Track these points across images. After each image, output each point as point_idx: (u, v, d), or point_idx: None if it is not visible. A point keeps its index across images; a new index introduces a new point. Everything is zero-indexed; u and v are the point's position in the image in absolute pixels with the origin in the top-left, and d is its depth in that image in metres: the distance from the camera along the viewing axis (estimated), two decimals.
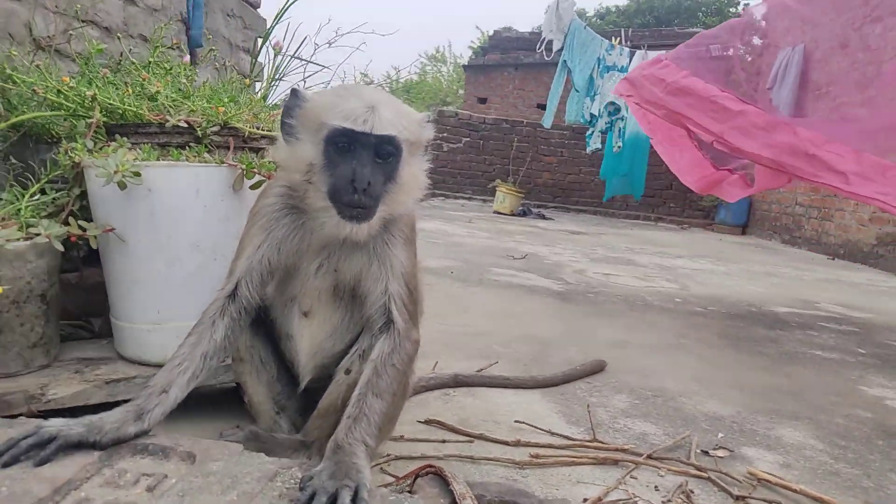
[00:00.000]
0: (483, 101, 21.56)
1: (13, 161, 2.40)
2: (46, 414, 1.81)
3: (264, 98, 3.42)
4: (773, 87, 12.58)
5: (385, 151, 1.52)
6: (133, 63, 2.69)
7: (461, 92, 27.69)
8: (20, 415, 1.76)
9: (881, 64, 9.31)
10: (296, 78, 5.29)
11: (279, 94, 4.14)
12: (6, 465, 1.29)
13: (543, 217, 13.27)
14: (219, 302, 1.69)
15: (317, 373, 1.83)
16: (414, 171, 1.64)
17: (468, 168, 16.50)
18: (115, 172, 1.79)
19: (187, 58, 2.65)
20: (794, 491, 2.00)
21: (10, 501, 1.17)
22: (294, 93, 1.59)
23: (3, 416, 1.69)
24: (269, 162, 2.15)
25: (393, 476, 1.79)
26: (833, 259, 9.80)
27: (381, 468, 1.86)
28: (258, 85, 4.70)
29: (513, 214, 13.05)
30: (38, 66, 2.41)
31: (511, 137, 16.23)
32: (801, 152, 3.41)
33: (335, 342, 1.78)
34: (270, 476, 1.34)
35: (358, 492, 1.26)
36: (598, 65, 10.91)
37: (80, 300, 2.49)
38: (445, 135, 16.47)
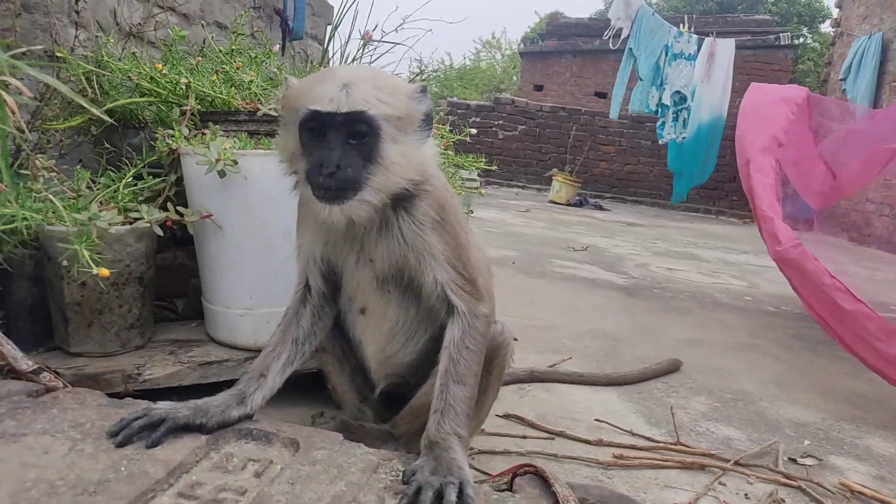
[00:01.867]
0: (539, 88, 21.32)
1: (105, 145, 2.47)
2: (142, 393, 1.86)
3: None
4: (847, 77, 12.10)
5: (358, 131, 1.40)
6: (220, 50, 2.73)
7: (515, 79, 27.46)
8: (118, 393, 1.82)
9: None
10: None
11: None
12: (121, 444, 1.32)
13: (600, 208, 13.08)
14: (298, 293, 1.71)
15: (391, 380, 1.79)
16: (404, 150, 1.46)
17: (523, 156, 16.36)
18: (217, 161, 1.82)
19: (277, 47, 2.66)
20: None
21: (129, 482, 1.20)
22: (285, 80, 1.54)
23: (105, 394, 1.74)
24: None
25: (480, 471, 1.79)
26: None
27: (470, 464, 1.85)
28: None
29: (568, 204, 12.90)
30: (133, 53, 2.46)
31: (568, 126, 16.01)
32: None
33: (399, 346, 1.72)
34: (374, 468, 1.34)
35: (463, 488, 1.25)
36: (666, 53, 10.66)
37: (164, 281, 2.55)
38: (501, 122, 16.36)
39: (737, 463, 2.07)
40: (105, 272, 1.64)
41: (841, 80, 12.54)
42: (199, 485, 1.25)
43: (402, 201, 1.53)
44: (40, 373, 1.60)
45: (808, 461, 2.20)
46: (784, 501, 1.90)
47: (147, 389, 1.89)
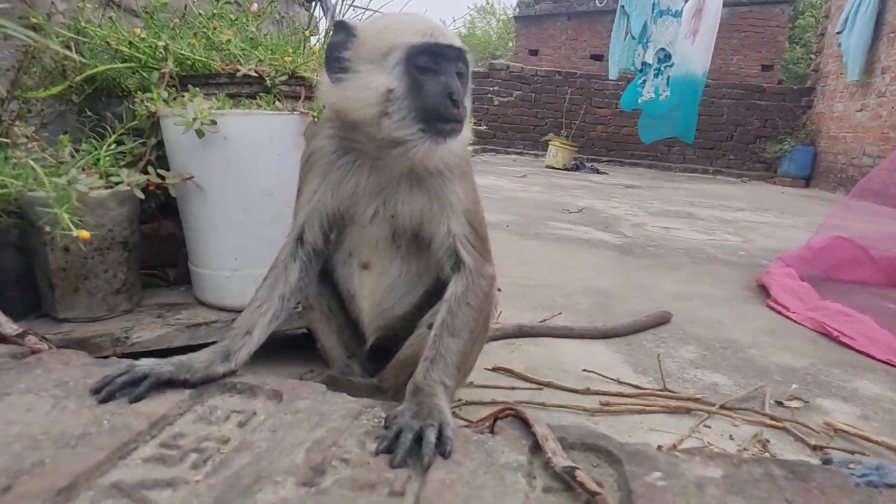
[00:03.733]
0: (534, 52, 21.12)
1: (88, 114, 2.45)
2: (131, 356, 1.88)
3: (321, 48, 3.41)
4: (844, 31, 11.95)
5: (460, 70, 1.46)
6: (200, 14, 2.70)
7: (511, 45, 27.15)
8: (108, 356, 1.83)
9: None
10: None
11: None
12: (103, 400, 1.34)
13: (597, 171, 13.03)
14: (289, 246, 1.70)
15: (381, 333, 1.82)
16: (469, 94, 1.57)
17: (519, 122, 16.27)
18: (194, 120, 1.81)
19: (255, 6, 2.63)
20: (874, 442, 1.95)
21: (111, 434, 1.22)
22: (341, 26, 1.49)
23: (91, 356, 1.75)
24: (321, 107, 2.13)
25: (465, 420, 1.81)
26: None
27: (454, 413, 1.87)
28: (313, 40, 4.67)
29: (566, 169, 12.86)
30: (110, 17, 2.44)
31: (564, 90, 15.89)
32: None
33: (396, 300, 1.75)
34: (355, 414, 1.36)
35: (442, 430, 1.27)
36: (653, 10, 10.51)
37: (155, 250, 2.56)
38: (496, 88, 16.23)
39: (723, 407, 2.09)
40: (85, 234, 1.65)
41: (837, 33, 12.40)
42: (182, 435, 1.26)
43: None
44: (25, 336, 1.62)
45: (795, 404, 2.23)
46: (769, 441, 1.93)
47: (136, 352, 1.91)
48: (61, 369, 1.47)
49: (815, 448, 1.90)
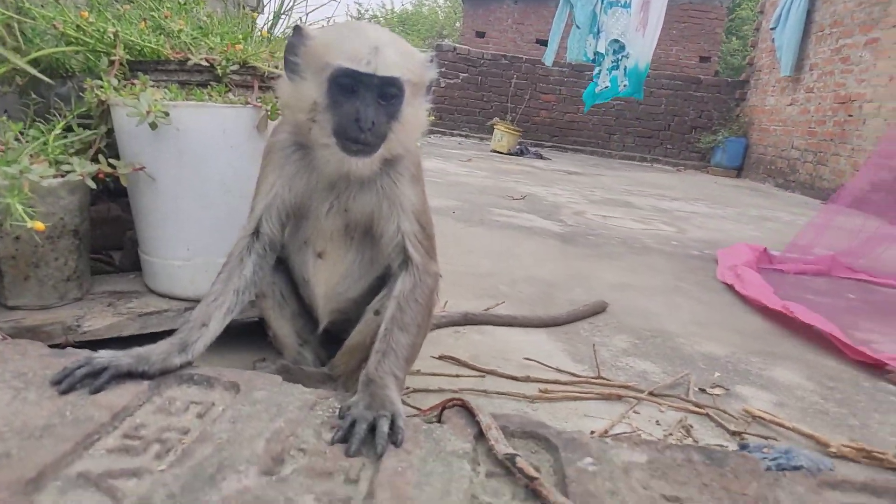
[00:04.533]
0: (481, 35, 21.16)
1: (33, 96, 2.41)
2: (83, 345, 1.90)
3: (270, 33, 3.40)
4: (777, 27, 12.44)
5: (388, 93, 1.53)
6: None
7: (458, 25, 27.11)
8: (58, 345, 1.85)
9: (888, 5, 9.22)
10: (299, 11, 5.21)
11: (281, 27, 4.09)
12: (64, 392, 1.38)
13: (541, 157, 13.25)
14: (244, 240, 1.75)
15: (334, 316, 1.90)
16: (416, 111, 1.65)
17: (465, 105, 16.35)
18: (148, 113, 1.82)
19: None
20: (787, 428, 2.13)
21: (74, 425, 1.26)
22: (297, 30, 1.59)
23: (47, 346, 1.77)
24: (275, 100, 2.17)
25: (414, 407, 1.90)
26: (826, 203, 9.90)
27: (403, 401, 1.97)
28: (260, 19, 4.62)
29: (510, 153, 13.03)
30: (56, 1, 2.39)
31: (510, 74, 16.03)
32: None
33: (350, 285, 1.84)
34: (311, 405, 1.44)
35: (394, 420, 1.36)
36: (601, 0, 10.72)
37: (99, 234, 2.54)
38: (443, 70, 16.21)
39: (651, 393, 2.25)
40: (40, 226, 1.65)
41: (771, 28, 12.89)
42: (143, 426, 1.32)
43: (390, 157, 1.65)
44: None
45: (717, 391, 2.40)
46: (692, 427, 2.09)
47: (87, 341, 1.93)
48: (19, 360, 1.49)
49: (733, 433, 2.07)
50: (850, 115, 9.86)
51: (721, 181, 12.69)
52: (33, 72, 1.95)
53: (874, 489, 1.41)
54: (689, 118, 15.54)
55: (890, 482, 1.45)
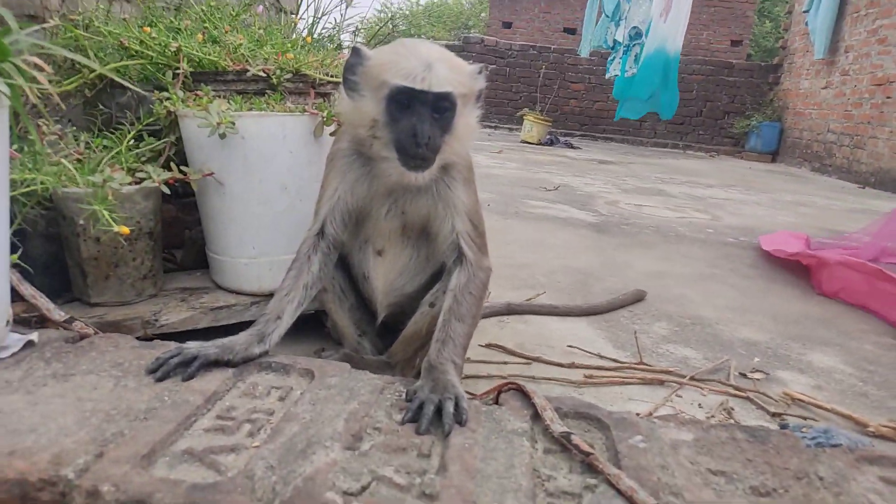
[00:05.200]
0: (508, 25, 21.16)
1: (100, 107, 2.58)
2: (161, 337, 2.06)
3: (312, 37, 3.53)
4: (810, 10, 12.26)
5: (442, 107, 1.63)
6: (202, 11, 2.82)
7: (483, 15, 27.08)
8: (140, 337, 2.01)
9: None
10: (337, 13, 5.34)
11: (320, 28, 4.23)
12: (160, 379, 1.53)
13: (571, 146, 13.27)
14: (310, 240, 1.89)
15: (392, 309, 2.04)
16: (467, 121, 1.76)
17: (494, 96, 16.37)
18: (219, 124, 1.97)
19: (260, 8, 2.77)
20: (826, 409, 2.21)
21: (173, 408, 1.41)
22: (356, 51, 1.70)
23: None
24: (329, 107, 2.31)
25: (470, 393, 2.02)
26: (863, 188, 9.80)
27: None
28: (300, 25, 4.76)
29: (540, 143, 13.07)
30: (124, 19, 2.55)
31: (538, 64, 16.02)
32: None
33: (407, 279, 1.98)
34: (380, 389, 1.57)
35: (458, 402, 1.49)
36: None
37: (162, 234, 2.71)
38: (471, 63, 16.24)
39: (692, 378, 2.35)
40: (126, 230, 1.81)
41: (804, 11, 12.70)
42: (233, 409, 1.46)
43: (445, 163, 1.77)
44: (73, 322, 1.79)
45: (757, 375, 2.49)
46: (734, 409, 2.18)
47: (165, 333, 2.09)
48: (114, 351, 1.65)
49: (773, 415, 2.16)
50: (889, 98, 9.71)
51: (756, 166, 12.58)
52: (121, 80, 2.11)
53: None
54: (721, 103, 15.39)
55: None
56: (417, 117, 1.61)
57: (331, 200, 1.85)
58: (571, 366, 2.38)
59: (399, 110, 1.63)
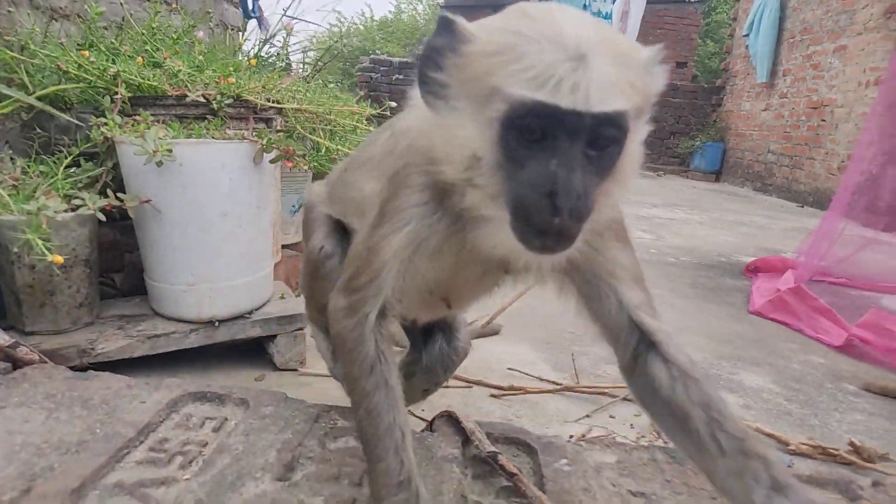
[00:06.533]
0: None
1: (37, 130, 2.55)
2: (96, 366, 2.04)
3: (258, 59, 3.55)
4: (750, 34, 12.76)
5: (604, 136, 0.92)
6: (142, 33, 2.81)
7: None
8: (74, 367, 1.99)
9: (854, 13, 9.54)
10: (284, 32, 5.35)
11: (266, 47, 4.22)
12: None
13: None
14: (370, 325, 1.20)
15: None
16: (634, 150, 1.03)
17: None
18: (155, 152, 1.97)
19: (201, 34, 2.77)
20: (752, 429, 2.31)
21: (105, 441, 1.41)
22: (445, 23, 0.99)
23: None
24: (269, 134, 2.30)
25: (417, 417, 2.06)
26: (802, 207, 10.18)
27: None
28: (247, 45, 4.76)
29: None
30: (60, 43, 2.53)
31: None
32: None
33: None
34: (314, 418, 1.59)
35: None
36: (585, 10, 10.97)
37: (99, 258, 2.68)
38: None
39: (625, 398, 2.42)
40: (59, 259, 1.80)
41: (744, 35, 13.21)
42: (166, 440, 1.47)
43: None
44: (17, 347, 1.77)
45: None
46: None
47: (101, 362, 2.07)
48: (47, 382, 1.64)
49: None
50: (823, 120, 10.15)
51: (700, 185, 12.95)
52: (48, 109, 2.09)
53: (819, 481, 1.59)
54: (667, 124, 15.82)
55: (832, 474, 1.63)
56: (560, 158, 0.90)
57: (397, 276, 1.16)
58: (511, 388, 2.44)
59: (524, 143, 0.92)
